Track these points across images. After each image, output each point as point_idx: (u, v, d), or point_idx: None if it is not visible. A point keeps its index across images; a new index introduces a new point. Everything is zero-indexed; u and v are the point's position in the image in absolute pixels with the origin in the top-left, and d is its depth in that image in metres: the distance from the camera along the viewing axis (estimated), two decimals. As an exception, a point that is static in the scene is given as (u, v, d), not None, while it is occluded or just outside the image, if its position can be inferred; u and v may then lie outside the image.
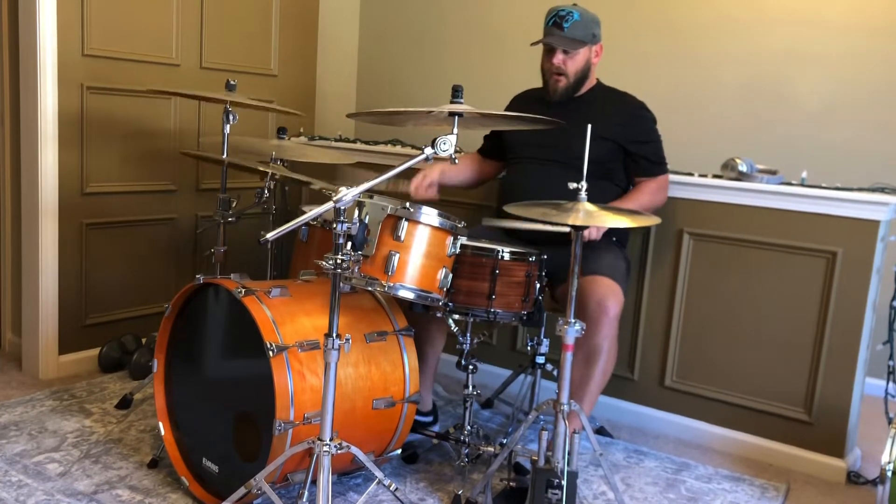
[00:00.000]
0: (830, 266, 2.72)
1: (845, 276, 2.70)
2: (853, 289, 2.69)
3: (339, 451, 1.98)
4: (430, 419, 2.83)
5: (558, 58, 2.67)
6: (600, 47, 2.74)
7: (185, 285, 2.31)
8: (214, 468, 2.26)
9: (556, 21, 2.64)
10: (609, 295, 2.51)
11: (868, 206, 2.64)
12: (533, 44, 2.70)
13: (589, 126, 2.10)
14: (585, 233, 2.45)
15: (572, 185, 2.10)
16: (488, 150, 3.00)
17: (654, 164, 2.74)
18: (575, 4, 2.68)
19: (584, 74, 2.73)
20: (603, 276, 2.56)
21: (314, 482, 1.99)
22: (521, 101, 2.92)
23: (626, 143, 2.70)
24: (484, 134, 3.03)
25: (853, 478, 2.75)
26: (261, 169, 2.86)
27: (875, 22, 3.45)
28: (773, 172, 2.83)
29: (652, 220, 2.15)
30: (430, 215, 2.21)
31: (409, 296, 2.22)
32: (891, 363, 2.75)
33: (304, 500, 2.01)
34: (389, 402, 2.28)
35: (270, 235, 1.83)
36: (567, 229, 2.32)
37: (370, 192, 2.10)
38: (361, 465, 2.10)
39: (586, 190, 2.10)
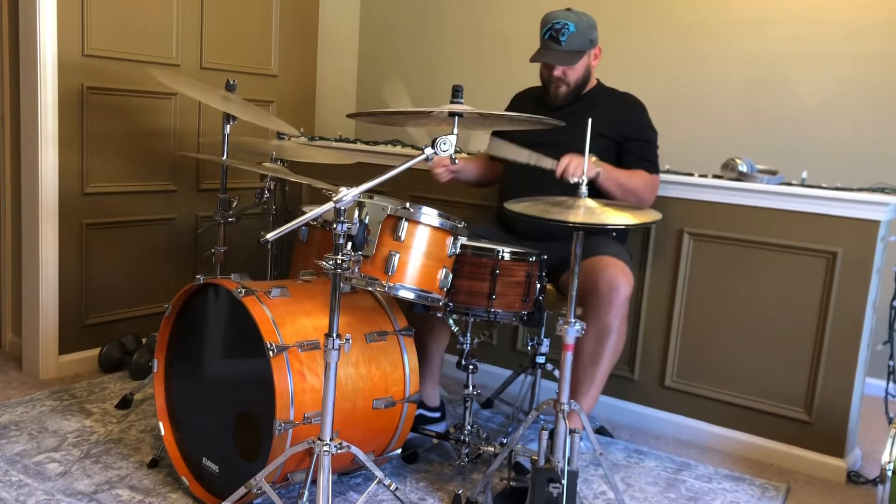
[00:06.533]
0: (830, 266, 2.72)
1: (845, 276, 2.70)
2: (853, 289, 2.69)
3: (339, 451, 1.98)
4: (437, 415, 2.81)
5: (559, 70, 2.66)
6: (599, 49, 2.73)
7: (185, 285, 2.32)
8: (215, 468, 2.26)
9: (552, 35, 2.62)
10: (619, 274, 2.50)
11: (868, 206, 2.64)
12: (532, 60, 2.69)
13: (590, 120, 2.10)
14: (570, 168, 2.42)
15: (573, 181, 2.09)
16: None
17: (648, 162, 2.72)
18: (569, 9, 2.67)
19: (584, 80, 2.73)
20: (610, 256, 2.55)
21: (314, 482, 1.99)
22: (522, 100, 2.92)
23: (622, 138, 2.69)
24: (488, 134, 3.03)
25: (853, 478, 2.75)
26: (258, 171, 2.85)
27: (876, 22, 3.44)
28: (774, 172, 2.83)
29: (653, 216, 2.14)
30: (430, 215, 2.21)
31: (410, 296, 2.22)
32: (891, 363, 2.74)
33: (305, 499, 2.01)
34: (389, 402, 2.28)
35: (271, 236, 1.83)
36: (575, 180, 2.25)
37: (370, 193, 2.10)
38: (361, 464, 2.11)
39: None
